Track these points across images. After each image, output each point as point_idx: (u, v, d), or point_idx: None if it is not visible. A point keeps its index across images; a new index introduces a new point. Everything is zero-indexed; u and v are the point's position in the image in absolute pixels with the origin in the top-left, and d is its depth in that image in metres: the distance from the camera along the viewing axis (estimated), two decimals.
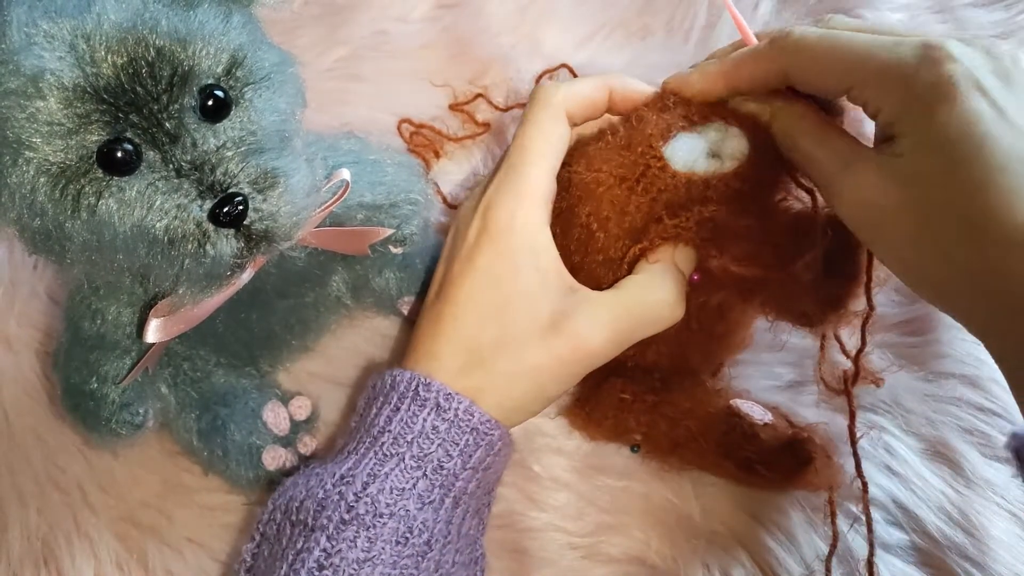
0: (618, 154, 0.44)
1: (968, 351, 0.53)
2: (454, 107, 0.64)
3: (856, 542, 0.47)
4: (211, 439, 0.48)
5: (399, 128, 0.63)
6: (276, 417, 0.49)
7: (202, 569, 0.49)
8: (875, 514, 0.48)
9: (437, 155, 0.63)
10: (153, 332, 0.40)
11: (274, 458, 0.48)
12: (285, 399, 0.50)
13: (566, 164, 0.46)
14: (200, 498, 0.51)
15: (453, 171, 0.63)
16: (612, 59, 0.66)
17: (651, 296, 0.43)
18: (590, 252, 0.45)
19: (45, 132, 0.31)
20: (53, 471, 0.51)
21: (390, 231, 0.47)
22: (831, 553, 0.45)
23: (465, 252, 0.44)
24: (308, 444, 0.50)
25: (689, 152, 0.42)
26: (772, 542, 0.48)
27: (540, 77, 0.63)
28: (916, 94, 0.35)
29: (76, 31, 0.31)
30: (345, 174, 0.42)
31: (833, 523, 0.45)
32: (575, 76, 0.63)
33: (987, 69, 0.34)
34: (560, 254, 0.44)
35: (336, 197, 0.42)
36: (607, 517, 0.50)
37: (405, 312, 0.54)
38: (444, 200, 0.60)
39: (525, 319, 0.42)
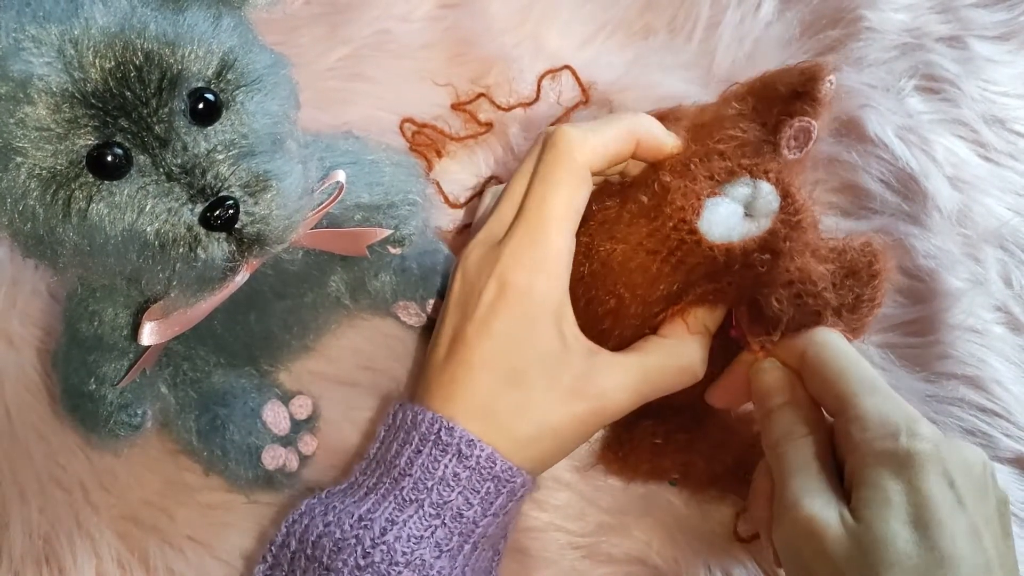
0: (647, 225, 0.42)
1: (970, 352, 0.52)
2: (456, 106, 0.64)
3: None
4: (210, 439, 0.48)
5: (401, 127, 0.63)
6: (276, 417, 0.49)
7: (203, 568, 0.49)
8: None
9: (439, 155, 0.63)
10: (147, 335, 0.39)
11: (273, 458, 0.48)
12: (285, 398, 0.50)
13: (586, 220, 0.44)
14: (202, 497, 0.51)
15: (455, 171, 0.63)
16: (614, 59, 0.66)
17: (676, 362, 0.43)
18: (621, 318, 0.44)
19: (34, 137, 0.31)
20: (55, 469, 0.51)
21: (388, 232, 0.47)
22: None
23: (480, 314, 0.42)
24: (309, 443, 0.50)
25: (725, 222, 0.41)
26: None
27: (541, 78, 0.63)
28: (888, 458, 0.36)
29: (64, 36, 0.31)
30: (340, 175, 0.42)
31: None
32: (578, 78, 0.63)
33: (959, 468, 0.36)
34: (585, 321, 0.43)
35: (331, 199, 0.41)
36: (608, 517, 0.50)
37: (400, 316, 0.54)
38: (446, 200, 0.60)
39: (545, 385, 0.41)
